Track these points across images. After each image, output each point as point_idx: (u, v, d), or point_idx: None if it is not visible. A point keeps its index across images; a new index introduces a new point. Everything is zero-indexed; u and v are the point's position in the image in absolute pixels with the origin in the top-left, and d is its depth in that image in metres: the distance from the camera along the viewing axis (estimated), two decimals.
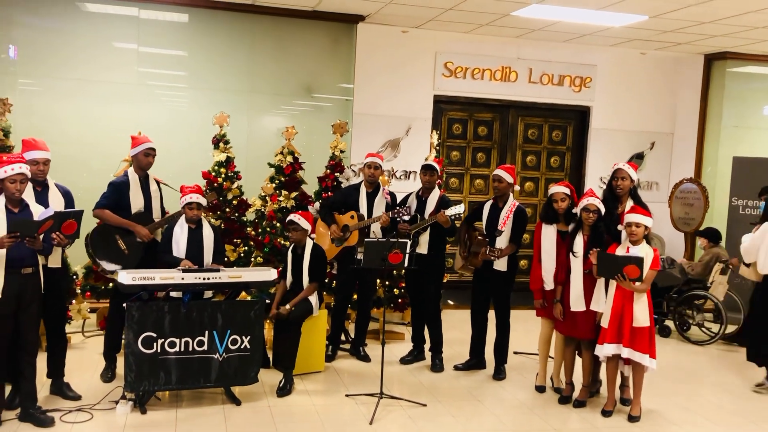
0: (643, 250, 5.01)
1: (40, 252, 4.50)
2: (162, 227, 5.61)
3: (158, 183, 5.72)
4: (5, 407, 4.63)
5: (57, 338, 5.16)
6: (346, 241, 6.24)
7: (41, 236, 4.38)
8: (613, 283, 5.11)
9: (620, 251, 5.08)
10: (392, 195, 6.46)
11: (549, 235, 5.54)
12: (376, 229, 6.21)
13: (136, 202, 5.47)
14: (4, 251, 4.30)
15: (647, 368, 5.10)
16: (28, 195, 4.73)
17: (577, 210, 5.34)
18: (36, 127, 7.00)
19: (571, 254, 5.31)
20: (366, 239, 5.46)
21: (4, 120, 6.22)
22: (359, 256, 6.21)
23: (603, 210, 5.24)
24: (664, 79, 9.52)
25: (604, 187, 8.52)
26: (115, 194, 5.42)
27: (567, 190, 5.49)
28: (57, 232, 4.53)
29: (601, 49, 9.21)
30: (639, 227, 5.02)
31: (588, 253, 5.20)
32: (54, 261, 4.88)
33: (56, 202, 4.87)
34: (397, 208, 6.11)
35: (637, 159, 9.48)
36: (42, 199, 4.82)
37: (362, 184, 6.36)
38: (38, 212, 4.47)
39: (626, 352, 5.04)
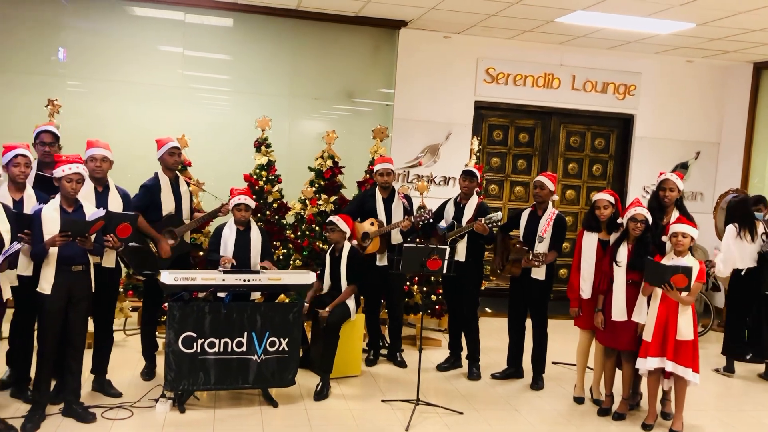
0: (689, 262, 4.90)
1: (91, 252, 4.59)
2: (193, 229, 5.65)
3: (188, 184, 5.79)
4: (50, 401, 4.73)
5: (104, 335, 5.26)
6: (367, 248, 6.22)
7: (92, 236, 4.47)
8: (656, 295, 5.01)
9: (665, 263, 4.98)
10: (408, 198, 6.43)
11: (590, 243, 5.48)
12: (396, 233, 6.18)
13: (167, 204, 5.52)
14: (56, 249, 4.41)
15: (690, 382, 4.99)
16: (89, 195, 4.85)
17: (623, 220, 5.25)
18: (83, 128, 7.15)
19: (614, 264, 5.23)
20: (404, 245, 5.44)
21: (52, 121, 6.36)
22: (381, 262, 6.19)
23: (650, 220, 5.15)
24: (710, 88, 9.34)
25: (648, 196, 8.44)
26: (147, 196, 5.47)
27: (611, 198, 5.42)
28: (111, 235, 4.62)
29: (646, 56, 9.07)
30: (686, 238, 4.92)
31: (631, 263, 5.13)
32: (108, 261, 4.99)
33: (115, 204, 4.99)
34: (419, 212, 6.07)
35: (682, 168, 9.30)
36: (102, 199, 4.94)
37: (377, 190, 6.33)
38: (91, 213, 4.56)
39: (670, 366, 4.93)
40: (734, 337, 6.81)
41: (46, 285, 4.45)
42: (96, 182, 4.98)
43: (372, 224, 6.21)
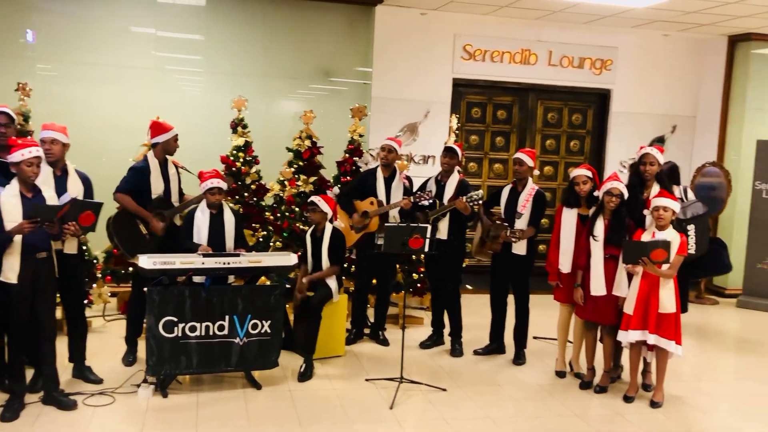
0: (670, 236, 4.93)
1: (55, 237, 4.51)
2: (181, 212, 5.62)
3: (177, 167, 5.73)
4: (28, 390, 4.67)
5: (76, 322, 5.19)
6: (367, 228, 6.21)
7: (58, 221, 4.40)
8: (638, 269, 5.04)
9: (646, 236, 5.01)
10: (409, 179, 6.41)
11: (569, 218, 5.50)
12: (395, 213, 6.18)
13: (156, 187, 5.50)
14: (20, 237, 4.31)
15: (672, 354, 5.05)
16: (48, 179, 4.73)
17: (599, 193, 5.27)
18: (55, 111, 7.00)
19: (591, 238, 5.25)
20: (386, 224, 5.42)
21: (23, 105, 6.23)
22: (379, 242, 6.18)
23: (626, 194, 5.17)
24: (686, 62, 9.37)
25: (625, 171, 8.49)
26: (136, 179, 5.45)
27: (589, 173, 5.44)
28: (73, 222, 4.51)
29: (622, 30, 9.07)
30: (667, 211, 4.94)
31: (608, 237, 5.15)
32: (70, 247, 4.88)
33: (75, 188, 4.86)
34: (419, 192, 6.06)
35: (659, 142, 9.33)
36: (61, 184, 4.80)
37: (378, 169, 6.30)
38: (49, 198, 4.48)
39: (652, 339, 4.98)
40: None
41: (11, 274, 4.34)
42: (53, 166, 4.85)
43: (371, 203, 6.18)
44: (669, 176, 6.23)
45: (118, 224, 5.41)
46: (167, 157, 5.62)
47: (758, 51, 9.06)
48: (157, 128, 5.53)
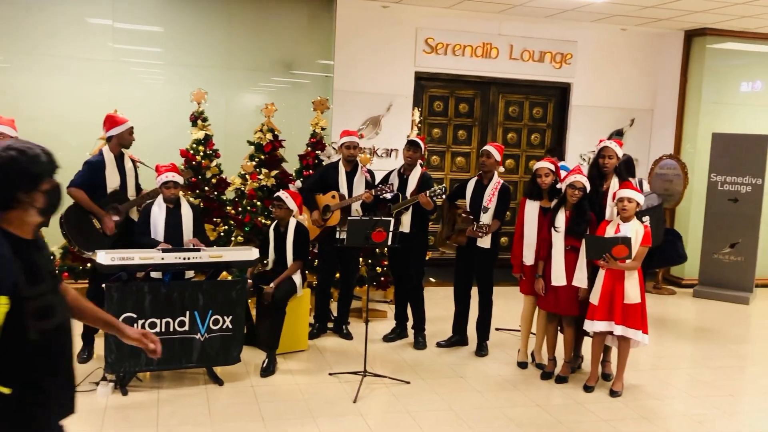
0: (634, 227, 5.01)
1: None
2: (138, 206, 5.53)
3: (133, 161, 5.65)
4: None
5: None
6: (328, 221, 6.18)
7: None
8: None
9: (611, 228, 5.08)
10: (371, 173, 6.39)
11: (532, 210, 5.56)
12: (357, 207, 6.16)
13: (112, 181, 5.41)
14: None
15: (638, 343, 5.13)
16: None
17: (562, 186, 5.33)
18: (9, 104, 6.83)
19: (552, 229, 5.31)
20: (349, 218, 5.41)
21: None
22: (341, 236, 6.16)
23: (588, 188, 5.23)
24: (644, 56, 9.51)
25: (585, 164, 8.59)
26: (91, 173, 5.36)
27: (551, 166, 5.49)
28: None
29: (582, 25, 9.17)
30: (631, 203, 5.01)
31: (569, 229, 5.21)
32: None
33: None
34: (380, 185, 6.06)
35: (617, 135, 9.47)
36: None
37: (340, 162, 6.27)
38: None
39: (619, 330, 5.04)
40: None
41: None
42: None
43: (333, 197, 6.15)
44: (624, 169, 6.35)
45: (71, 218, 5.31)
46: (123, 151, 5.53)
47: (713, 46, 9.24)
48: (110, 121, 5.44)
